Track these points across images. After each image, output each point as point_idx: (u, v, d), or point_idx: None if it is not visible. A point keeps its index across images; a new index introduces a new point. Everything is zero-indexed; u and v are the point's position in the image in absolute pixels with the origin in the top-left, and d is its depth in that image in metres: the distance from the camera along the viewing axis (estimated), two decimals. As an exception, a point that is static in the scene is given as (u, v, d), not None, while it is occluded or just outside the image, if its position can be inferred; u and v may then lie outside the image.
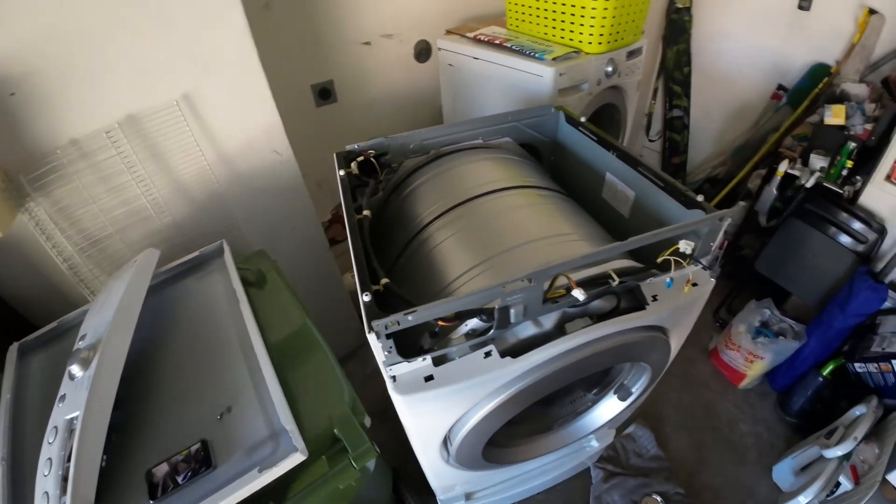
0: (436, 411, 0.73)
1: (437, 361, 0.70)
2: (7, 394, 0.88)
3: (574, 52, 1.39)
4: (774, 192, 1.79)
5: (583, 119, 1.09)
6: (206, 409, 0.79)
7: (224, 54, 1.10)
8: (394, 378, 0.68)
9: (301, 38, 1.59)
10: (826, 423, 1.40)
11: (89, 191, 1.07)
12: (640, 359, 0.89)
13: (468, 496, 1.25)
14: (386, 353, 0.65)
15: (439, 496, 1.18)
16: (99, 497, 0.68)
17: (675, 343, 0.93)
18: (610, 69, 1.44)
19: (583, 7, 1.33)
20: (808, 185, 1.62)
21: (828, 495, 1.23)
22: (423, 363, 0.69)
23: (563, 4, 1.37)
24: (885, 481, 1.11)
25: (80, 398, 0.72)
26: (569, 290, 0.71)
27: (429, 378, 0.68)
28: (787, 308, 1.76)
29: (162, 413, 0.81)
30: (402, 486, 1.37)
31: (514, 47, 1.42)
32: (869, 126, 1.51)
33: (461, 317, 0.70)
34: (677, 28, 2.20)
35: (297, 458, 0.69)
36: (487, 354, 0.70)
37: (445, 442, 0.82)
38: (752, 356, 1.66)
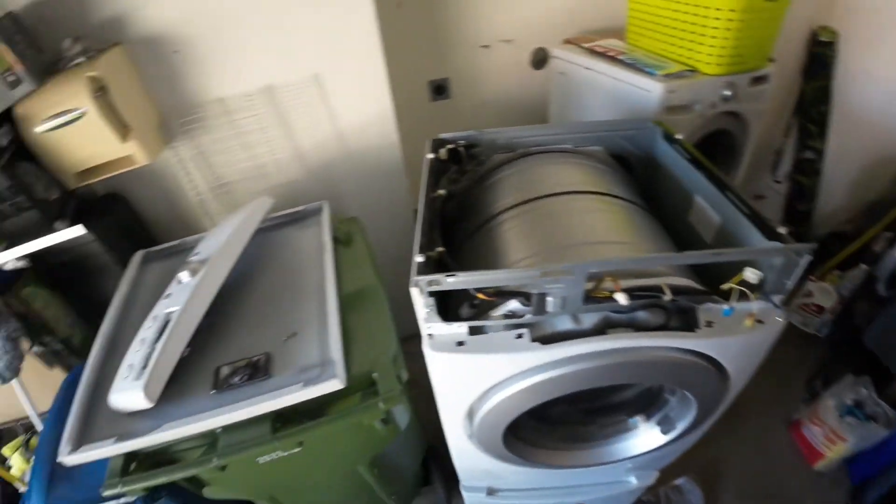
0: (462, 377, 0.78)
1: (473, 332, 0.75)
2: (124, 287, 1.10)
3: (689, 70, 1.33)
4: (899, 258, 1.53)
5: (678, 136, 1.05)
6: (276, 331, 0.94)
7: (353, 45, 1.27)
8: (430, 335, 0.74)
9: (425, 36, 1.72)
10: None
11: (225, 143, 1.30)
12: (685, 387, 0.85)
13: (491, 491, 1.26)
14: (427, 309, 0.72)
15: (463, 481, 1.21)
16: (175, 378, 0.84)
17: (734, 384, 0.87)
18: (728, 93, 1.35)
19: (703, 25, 1.27)
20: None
21: None
22: (458, 329, 0.74)
23: (684, 21, 1.32)
24: None
25: (182, 298, 0.89)
26: (613, 293, 0.71)
27: (461, 343, 0.73)
28: (890, 393, 1.50)
29: (241, 326, 0.97)
30: (431, 464, 1.42)
31: (627, 60, 1.41)
32: None
33: (503, 295, 0.74)
34: (818, 62, 1.96)
35: (335, 385, 0.79)
36: (519, 336, 0.73)
37: (470, 414, 0.86)
38: (834, 435, 1.47)
